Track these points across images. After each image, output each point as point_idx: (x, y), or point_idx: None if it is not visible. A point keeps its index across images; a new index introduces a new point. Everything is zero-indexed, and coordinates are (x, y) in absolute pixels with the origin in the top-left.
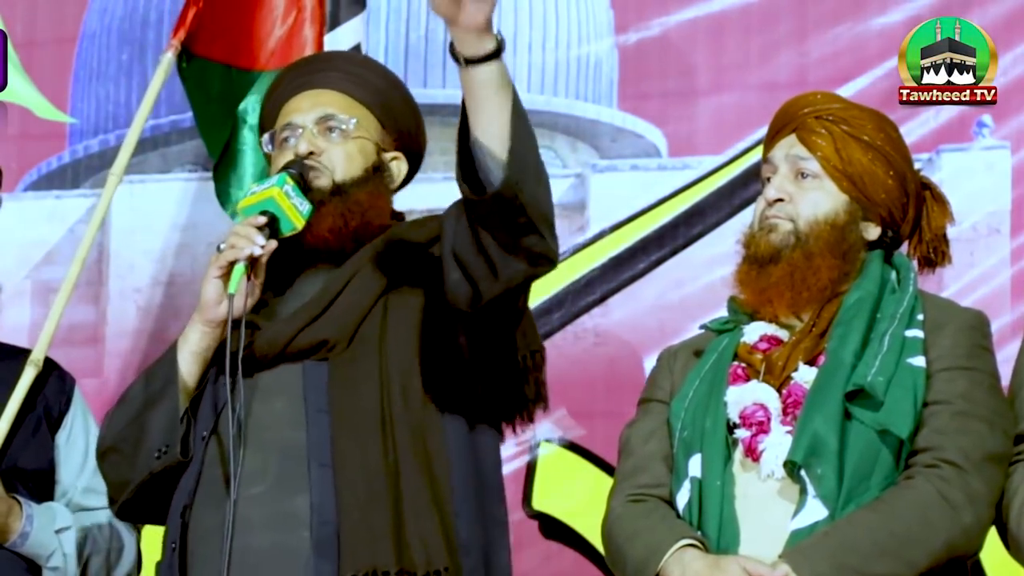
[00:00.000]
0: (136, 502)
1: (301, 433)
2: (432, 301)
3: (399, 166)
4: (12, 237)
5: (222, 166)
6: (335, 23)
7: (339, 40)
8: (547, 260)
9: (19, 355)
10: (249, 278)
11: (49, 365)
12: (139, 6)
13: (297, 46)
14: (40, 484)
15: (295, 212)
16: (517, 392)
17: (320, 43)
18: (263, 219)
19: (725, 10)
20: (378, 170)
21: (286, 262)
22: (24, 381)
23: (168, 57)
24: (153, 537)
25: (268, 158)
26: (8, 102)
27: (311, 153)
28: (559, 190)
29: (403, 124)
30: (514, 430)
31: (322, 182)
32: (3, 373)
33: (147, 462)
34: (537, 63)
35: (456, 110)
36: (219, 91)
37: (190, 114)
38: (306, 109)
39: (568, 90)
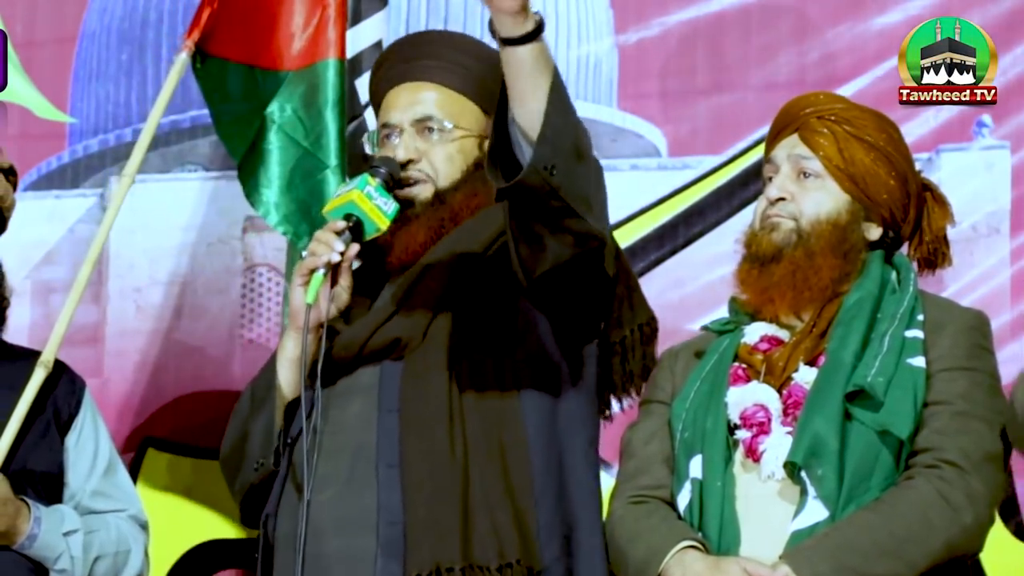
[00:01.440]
0: (250, 510)
1: (372, 435)
2: (504, 289)
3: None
4: (12, 237)
5: (249, 165)
6: (356, 19)
7: (360, 37)
8: (593, 238)
9: (29, 357)
10: (334, 283)
11: (59, 367)
12: (139, 6)
13: (322, 45)
14: (49, 487)
15: (378, 213)
16: (617, 367)
17: (343, 41)
18: (343, 224)
19: (725, 10)
20: (480, 165)
21: (380, 266)
22: (33, 383)
23: (182, 57)
24: (168, 541)
25: (370, 158)
26: (8, 102)
27: (411, 161)
28: None
29: None
30: (620, 403)
31: (424, 194)
32: (14, 375)
33: (248, 475)
34: None
35: None
36: (242, 91)
37: (190, 114)
38: (403, 106)
39: (568, 90)
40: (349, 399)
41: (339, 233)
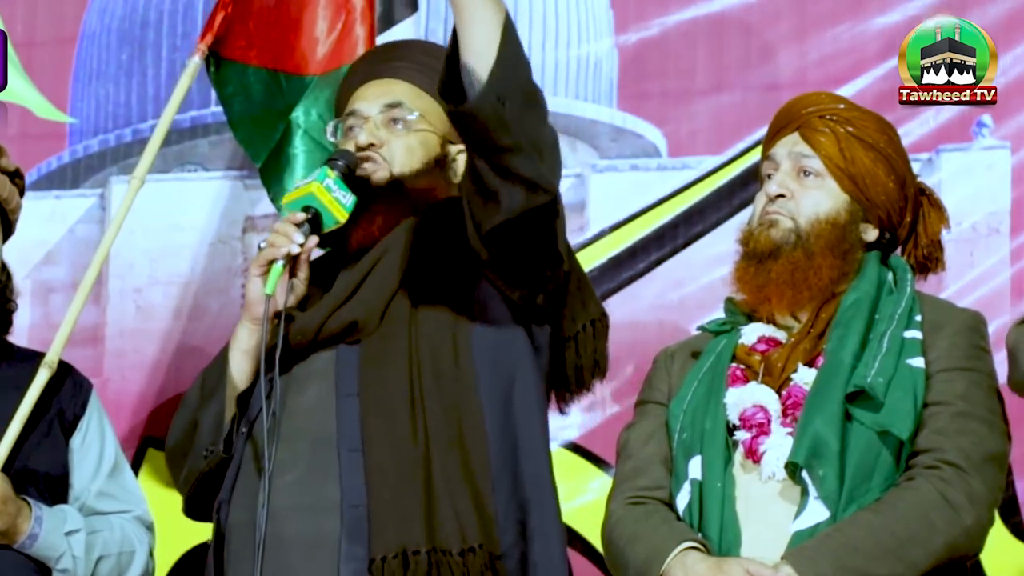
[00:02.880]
0: (196, 501)
1: (331, 419)
2: (461, 271)
3: (466, 159)
4: (12, 237)
5: (273, 169)
6: (388, 23)
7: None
8: (543, 188)
9: (35, 358)
10: (293, 275)
11: (65, 369)
12: (139, 6)
13: (348, 48)
14: (53, 488)
15: (337, 206)
16: (569, 361)
17: (371, 43)
18: (302, 216)
19: (725, 10)
20: (440, 163)
21: (337, 255)
22: (37, 383)
23: (195, 61)
24: (168, 540)
25: (336, 147)
26: (8, 102)
27: (371, 144)
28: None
29: None
30: (568, 399)
31: (380, 175)
32: (20, 376)
33: (196, 463)
34: (537, 63)
35: None
36: (263, 95)
37: (190, 114)
38: (372, 98)
39: (568, 90)
40: (305, 384)
41: (298, 225)
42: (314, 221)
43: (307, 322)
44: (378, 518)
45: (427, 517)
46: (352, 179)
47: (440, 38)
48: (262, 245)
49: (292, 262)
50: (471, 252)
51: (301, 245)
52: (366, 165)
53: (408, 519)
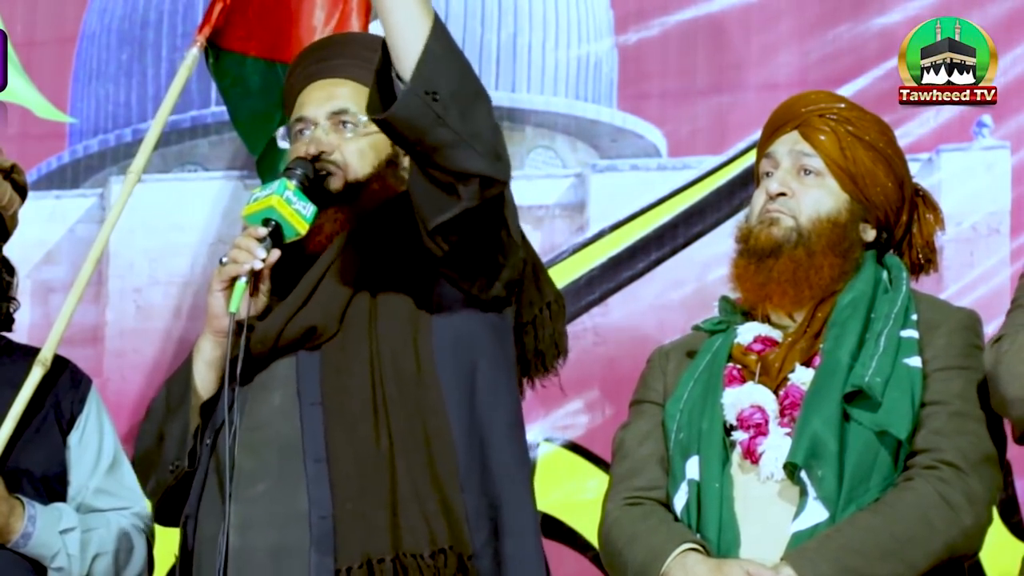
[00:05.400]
0: (166, 510)
1: (296, 428)
2: (418, 269)
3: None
4: (12, 237)
5: (269, 160)
6: None
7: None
8: (498, 180)
9: (34, 355)
10: (255, 290)
11: (63, 365)
12: (139, 6)
13: None
14: (48, 485)
15: (297, 217)
16: (529, 346)
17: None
18: (264, 231)
19: (725, 10)
20: (391, 163)
21: (296, 263)
22: (31, 381)
23: (193, 53)
24: (163, 540)
25: (285, 153)
26: (8, 102)
27: (322, 153)
28: (559, 190)
29: None
30: (532, 384)
31: (334, 184)
32: (18, 373)
33: (163, 475)
34: (537, 63)
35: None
36: (260, 86)
37: (190, 114)
38: (319, 102)
39: (568, 90)
40: (268, 392)
41: (260, 240)
42: (275, 234)
43: (266, 329)
44: (343, 529)
45: (392, 525)
46: (309, 188)
47: None
48: (224, 260)
49: (255, 278)
50: (425, 250)
51: (263, 260)
52: (323, 179)
53: (372, 529)
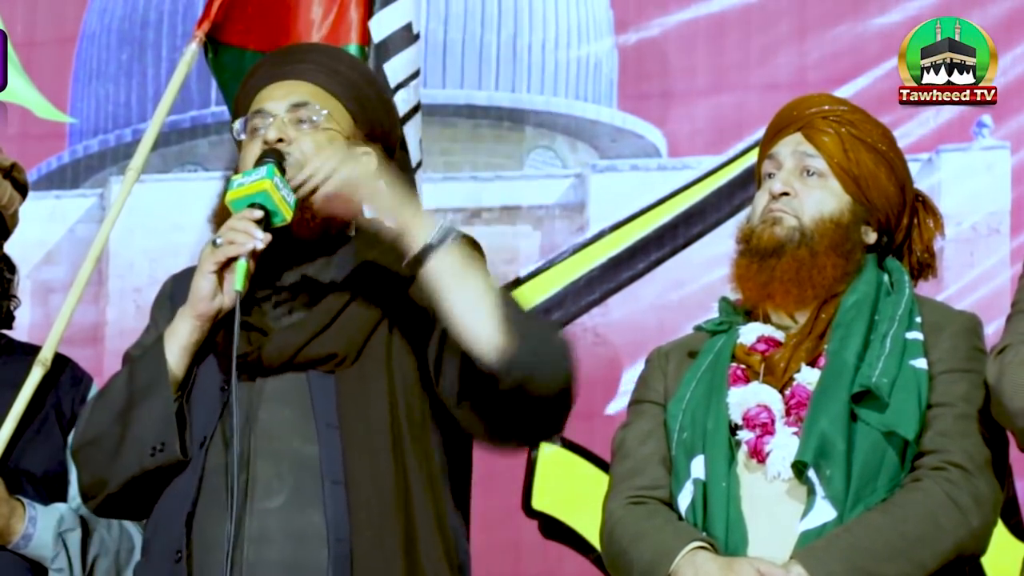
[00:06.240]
0: (118, 498)
1: (313, 447)
2: (419, 332)
3: (369, 160)
4: (12, 237)
5: None
6: (386, 2)
7: (388, 20)
8: (572, 392)
9: (35, 354)
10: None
11: (64, 364)
12: (139, 6)
13: (343, 31)
14: (49, 486)
15: (285, 204)
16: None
17: (365, 27)
18: (259, 213)
19: (725, 10)
20: None
21: (282, 251)
22: (31, 381)
23: (192, 48)
24: None
25: (239, 145)
26: (8, 102)
27: (280, 140)
28: (559, 190)
29: (375, 118)
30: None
31: (291, 173)
32: (18, 372)
33: (137, 458)
34: (537, 63)
35: (456, 110)
36: None
37: (190, 114)
38: (278, 98)
39: (568, 90)
40: (276, 404)
41: (258, 222)
42: (264, 219)
43: (284, 343)
44: (360, 556)
45: (406, 560)
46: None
47: (433, 14)
48: (219, 242)
49: (255, 258)
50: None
51: (261, 241)
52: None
53: (389, 560)
